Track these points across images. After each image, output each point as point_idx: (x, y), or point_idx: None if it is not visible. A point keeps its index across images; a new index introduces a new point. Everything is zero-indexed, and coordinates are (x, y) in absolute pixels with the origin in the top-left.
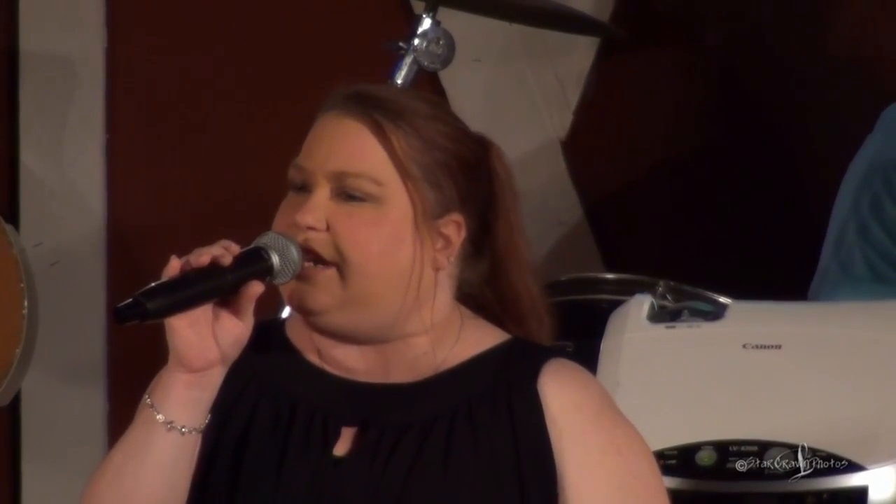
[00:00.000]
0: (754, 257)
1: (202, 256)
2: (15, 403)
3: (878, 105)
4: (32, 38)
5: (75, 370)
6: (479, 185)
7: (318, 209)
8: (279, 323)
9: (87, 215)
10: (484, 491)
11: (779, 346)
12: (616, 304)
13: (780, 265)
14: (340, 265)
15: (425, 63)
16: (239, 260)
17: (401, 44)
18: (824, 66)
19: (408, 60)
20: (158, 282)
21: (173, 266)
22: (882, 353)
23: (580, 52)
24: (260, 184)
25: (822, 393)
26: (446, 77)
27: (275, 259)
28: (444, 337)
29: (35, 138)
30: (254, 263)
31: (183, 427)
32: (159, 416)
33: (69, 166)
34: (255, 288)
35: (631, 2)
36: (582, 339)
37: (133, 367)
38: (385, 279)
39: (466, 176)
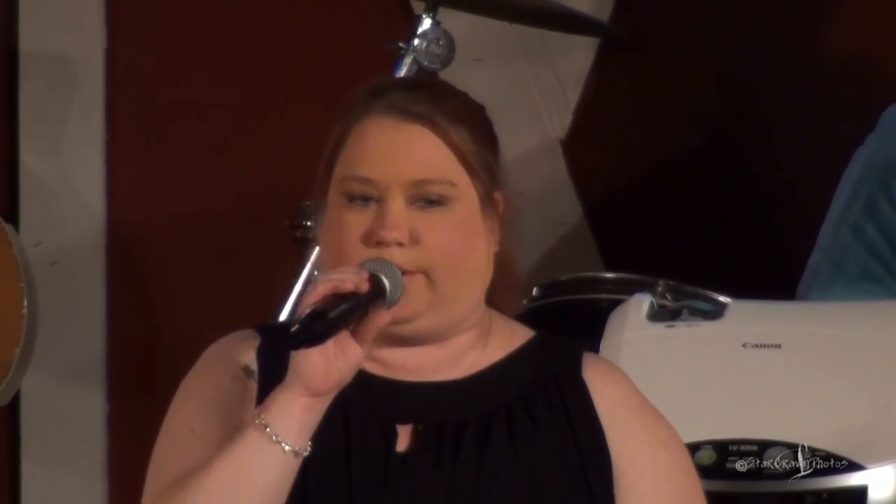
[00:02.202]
0: (754, 257)
1: (346, 283)
2: (15, 403)
3: (878, 105)
4: (32, 38)
5: (75, 370)
6: (499, 157)
7: (402, 223)
8: None
9: (87, 215)
10: (553, 482)
11: (778, 346)
12: (616, 304)
13: (779, 265)
14: (428, 272)
15: (425, 63)
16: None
17: (401, 44)
18: (824, 66)
19: (408, 61)
20: (315, 307)
21: (319, 291)
22: (882, 353)
23: (580, 52)
24: (260, 183)
25: (822, 393)
26: (446, 77)
27: (388, 285)
28: (482, 330)
29: (35, 138)
30: (375, 290)
31: (297, 449)
32: (277, 438)
33: (69, 166)
34: (384, 317)
35: (631, 2)
36: (582, 338)
37: (133, 367)
38: (469, 276)
39: (496, 150)
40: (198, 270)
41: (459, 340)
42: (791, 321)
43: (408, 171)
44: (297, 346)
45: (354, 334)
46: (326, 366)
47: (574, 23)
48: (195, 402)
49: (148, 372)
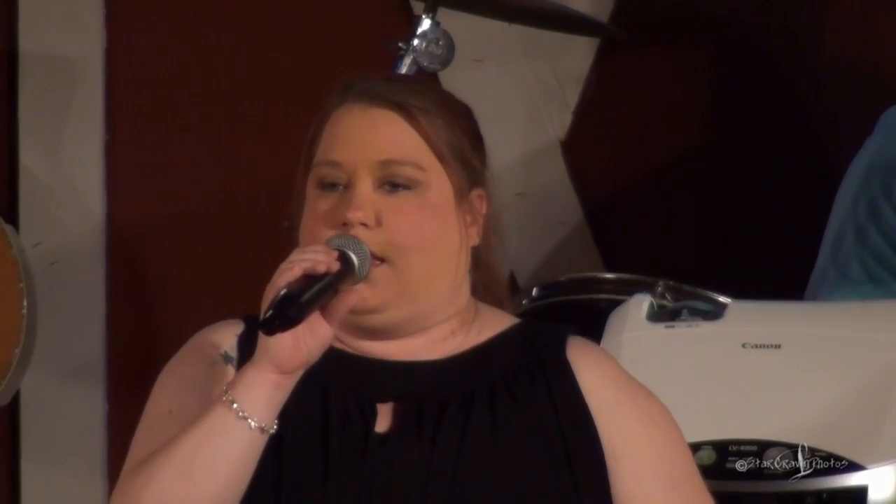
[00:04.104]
0: (754, 257)
1: (319, 265)
2: (14, 403)
3: (878, 107)
4: (32, 38)
5: (75, 370)
6: (483, 157)
7: (367, 204)
8: None
9: (86, 215)
10: (534, 461)
11: (778, 346)
12: (615, 304)
13: (780, 265)
14: (392, 259)
15: (425, 63)
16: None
17: (400, 44)
18: (823, 68)
19: (407, 61)
20: (288, 290)
21: (294, 272)
22: (882, 353)
23: (580, 53)
24: (259, 183)
25: (822, 393)
26: (446, 77)
27: (355, 260)
28: (467, 318)
29: (35, 138)
30: (344, 268)
31: (264, 426)
32: (243, 414)
33: (69, 166)
34: (354, 296)
35: (630, 2)
36: None
37: (132, 366)
38: (437, 265)
39: (478, 149)
40: (197, 270)
41: (438, 329)
42: (791, 321)
43: (373, 152)
44: (272, 332)
45: (323, 313)
46: (295, 344)
47: (574, 23)
48: (174, 385)
49: (147, 372)
